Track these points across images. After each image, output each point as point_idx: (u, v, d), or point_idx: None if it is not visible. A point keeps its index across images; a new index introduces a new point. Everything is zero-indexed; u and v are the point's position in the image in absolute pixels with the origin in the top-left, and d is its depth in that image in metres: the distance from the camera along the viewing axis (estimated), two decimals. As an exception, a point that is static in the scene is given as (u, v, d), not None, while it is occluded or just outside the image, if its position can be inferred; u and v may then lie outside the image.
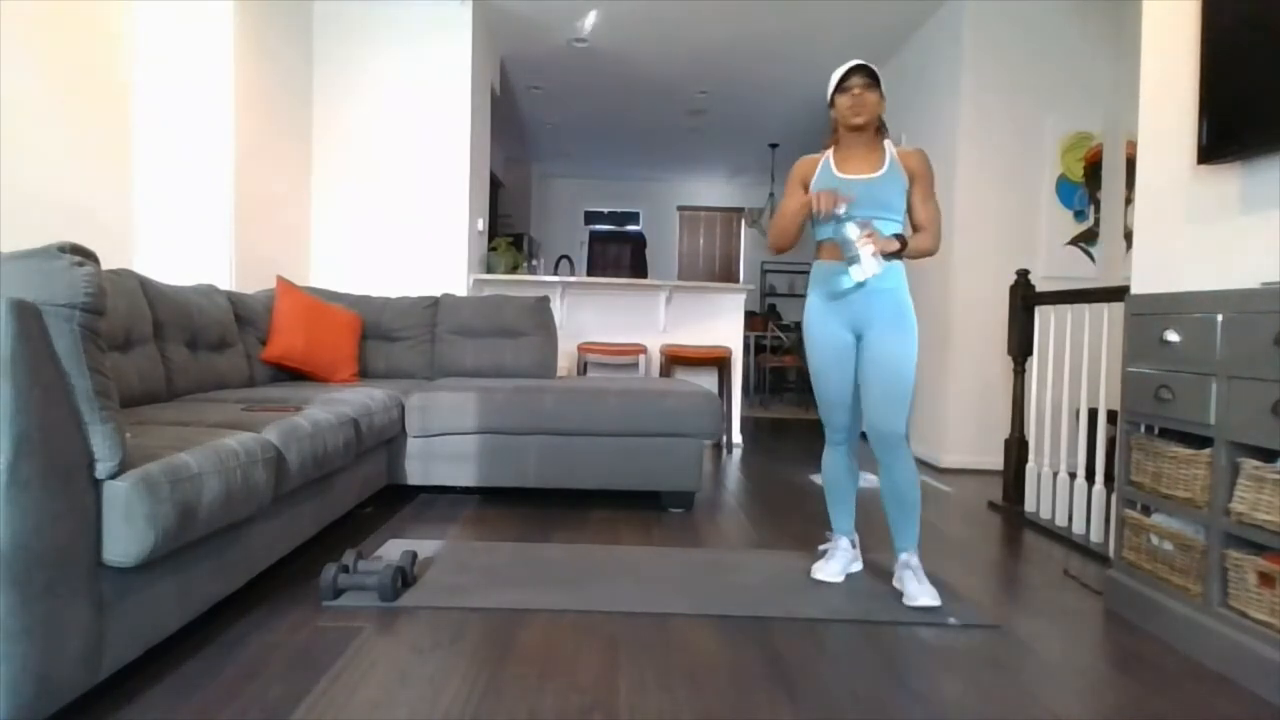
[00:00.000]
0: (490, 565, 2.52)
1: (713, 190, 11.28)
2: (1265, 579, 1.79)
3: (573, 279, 5.31)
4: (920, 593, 2.24)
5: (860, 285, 2.24)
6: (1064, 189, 4.68)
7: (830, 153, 2.40)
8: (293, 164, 4.56)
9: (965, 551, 2.94)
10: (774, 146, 8.67)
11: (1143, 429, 2.28)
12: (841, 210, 2.19)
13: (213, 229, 3.74)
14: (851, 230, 2.17)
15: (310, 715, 1.54)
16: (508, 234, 8.00)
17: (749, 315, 7.36)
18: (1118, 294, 2.64)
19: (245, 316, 3.46)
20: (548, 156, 9.95)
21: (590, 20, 5.43)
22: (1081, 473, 3.16)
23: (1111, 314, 2.93)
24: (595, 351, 5.15)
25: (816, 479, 4.16)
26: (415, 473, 3.32)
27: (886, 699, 1.70)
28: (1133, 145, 2.77)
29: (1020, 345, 3.62)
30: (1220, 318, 1.94)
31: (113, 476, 1.46)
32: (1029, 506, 3.48)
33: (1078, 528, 3.11)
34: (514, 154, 9.57)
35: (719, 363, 5.27)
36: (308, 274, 4.76)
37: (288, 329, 3.55)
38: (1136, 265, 2.42)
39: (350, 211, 4.87)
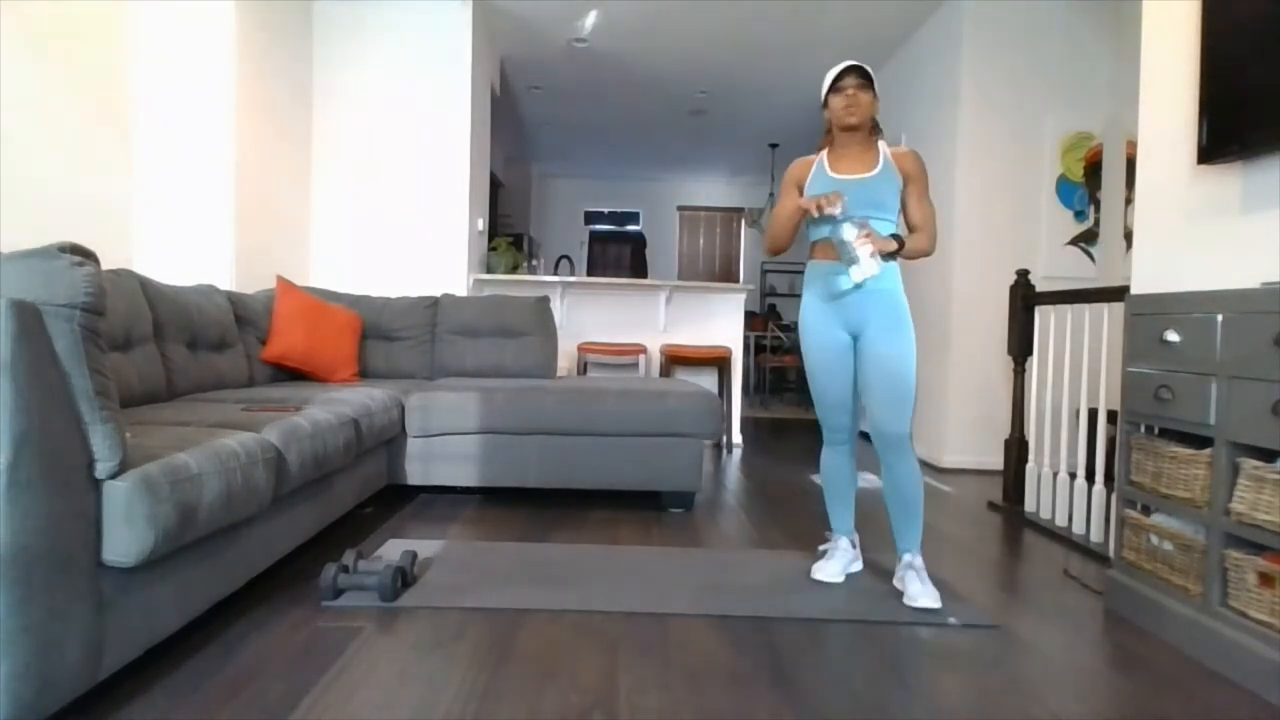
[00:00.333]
0: (490, 565, 2.52)
1: (713, 190, 11.28)
2: (1265, 579, 1.79)
3: (573, 279, 5.31)
4: (922, 594, 2.24)
5: (859, 287, 2.23)
6: (1064, 189, 4.69)
7: (824, 154, 2.40)
8: (293, 164, 4.56)
9: (965, 551, 2.94)
10: (774, 146, 8.67)
11: (1143, 429, 2.28)
12: (839, 210, 2.18)
13: (213, 229, 3.74)
14: (849, 231, 2.16)
15: (310, 715, 1.54)
16: (508, 234, 8.00)
17: (749, 315, 7.37)
18: (1118, 294, 2.64)
19: (245, 316, 3.46)
20: (548, 156, 9.95)
21: (590, 20, 5.43)
22: (1081, 473, 3.16)
23: (1111, 314, 2.93)
24: (595, 351, 5.15)
25: (816, 479, 4.16)
26: (415, 473, 3.32)
27: (886, 699, 1.70)
28: (1133, 145, 2.77)
29: (1020, 345, 3.62)
30: (1220, 318, 1.94)
31: (113, 477, 1.46)
32: (1029, 506, 3.48)
33: (1078, 528, 3.11)
34: (514, 154, 9.57)
35: (719, 363, 5.27)
36: (308, 274, 4.76)
37: (288, 329, 3.55)
38: (1136, 265, 2.42)
39: (350, 211, 4.87)
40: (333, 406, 2.64)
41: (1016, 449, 3.67)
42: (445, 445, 3.30)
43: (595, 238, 11.14)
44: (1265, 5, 1.93)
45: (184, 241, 3.68)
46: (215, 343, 3.16)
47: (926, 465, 4.75)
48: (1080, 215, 4.69)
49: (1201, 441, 2.02)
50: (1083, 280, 4.26)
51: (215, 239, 3.75)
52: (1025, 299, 3.59)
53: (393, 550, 2.60)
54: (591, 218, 11.27)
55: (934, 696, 1.72)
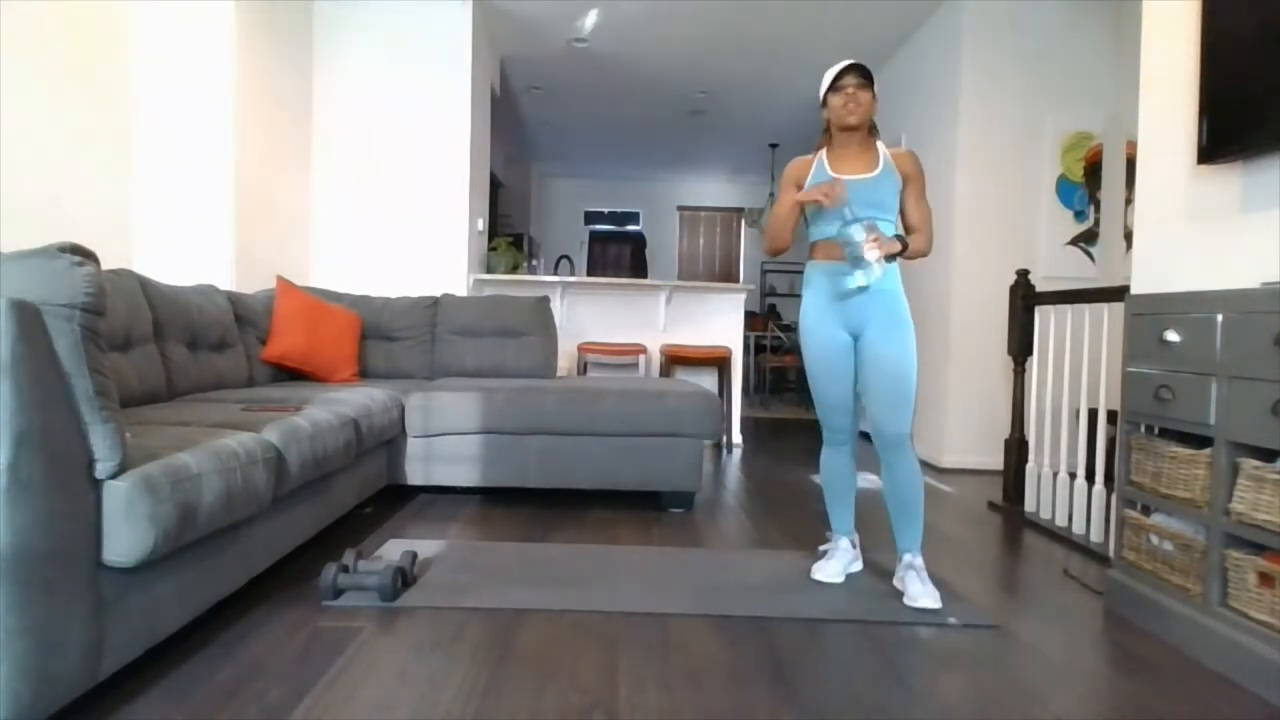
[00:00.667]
0: (490, 565, 2.52)
1: (713, 190, 11.28)
2: (1265, 579, 1.79)
3: (573, 279, 5.31)
4: (922, 594, 2.24)
5: (864, 289, 2.23)
6: (1064, 189, 4.68)
7: (824, 153, 2.40)
8: (293, 164, 4.56)
9: (965, 551, 2.94)
10: (774, 146, 8.67)
11: (1143, 429, 2.28)
12: (844, 200, 2.19)
13: (213, 229, 3.74)
14: (858, 233, 2.17)
15: (310, 715, 1.54)
16: (508, 234, 8.00)
17: (749, 315, 7.36)
18: (1118, 294, 2.64)
19: (245, 316, 3.46)
20: (548, 156, 9.95)
21: (590, 20, 5.43)
22: (1081, 473, 3.15)
23: (1111, 314, 2.93)
24: (595, 351, 5.15)
25: (816, 479, 4.16)
26: (415, 473, 3.32)
27: (886, 699, 1.70)
28: (1133, 145, 2.77)
29: (1020, 345, 3.62)
30: (1220, 318, 1.94)
31: (113, 477, 1.46)
32: (1029, 506, 3.48)
33: (1078, 528, 3.11)
34: (514, 154, 9.57)
35: (719, 363, 5.27)
36: (308, 274, 4.76)
37: (288, 329, 3.55)
38: (1136, 265, 2.42)
39: (350, 211, 4.87)
40: (333, 406, 2.64)
41: (1016, 449, 3.67)
42: (445, 445, 3.30)
43: (595, 238, 11.14)
44: (1265, 5, 1.93)
45: (184, 241, 3.68)
46: (215, 343, 3.16)
47: (926, 465, 4.74)
48: (1080, 215, 4.69)
49: (1201, 441, 2.02)
50: (1083, 280, 4.26)
51: (215, 239, 3.75)
52: (1025, 299, 3.59)
53: (393, 550, 2.60)
54: (591, 218, 11.27)
55: (934, 696, 1.72)
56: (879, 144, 2.38)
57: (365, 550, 2.60)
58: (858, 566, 2.56)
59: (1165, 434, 2.19)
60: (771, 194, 9.35)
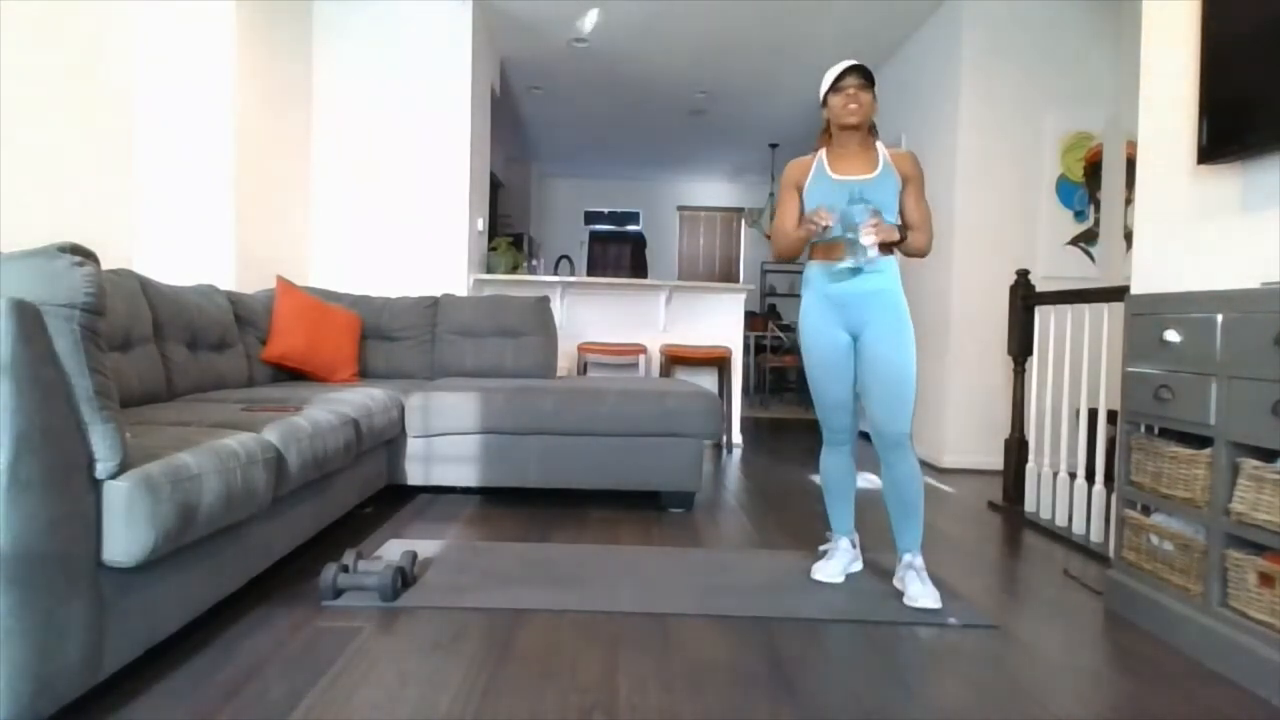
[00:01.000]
0: (490, 565, 2.52)
1: (713, 190, 11.28)
2: (1265, 579, 1.79)
3: (573, 279, 5.31)
4: (922, 594, 2.24)
5: (855, 272, 2.24)
6: (1064, 189, 4.68)
7: (823, 154, 2.40)
8: (293, 164, 4.56)
9: (965, 551, 2.94)
10: (774, 146, 8.67)
11: (1143, 429, 2.28)
12: (834, 221, 2.21)
13: (213, 229, 3.74)
14: (860, 214, 2.19)
15: (310, 715, 1.54)
16: (508, 234, 8.00)
17: (749, 315, 7.36)
18: (1118, 294, 2.64)
19: (245, 316, 3.46)
20: (548, 156, 9.95)
21: (590, 20, 5.43)
22: (1081, 473, 3.15)
23: (1111, 314, 2.93)
24: (595, 351, 5.15)
25: (816, 479, 4.16)
26: (415, 473, 3.32)
27: (886, 699, 1.70)
28: (1133, 145, 2.77)
29: (1020, 345, 3.62)
30: (1220, 318, 1.94)
31: (113, 477, 1.46)
32: (1029, 506, 3.48)
33: (1078, 528, 3.11)
34: (514, 154, 9.57)
35: (719, 363, 5.27)
36: (308, 274, 4.76)
37: (288, 329, 3.55)
38: (1136, 265, 2.42)
39: (350, 211, 4.87)
40: (333, 406, 2.64)
41: (1016, 449, 3.67)
42: (445, 445, 3.30)
43: (595, 238, 11.13)
44: (1265, 5, 1.93)
45: (184, 241, 3.68)
46: (215, 343, 3.16)
47: (926, 465, 4.74)
48: (1080, 215, 4.69)
49: (1201, 441, 2.02)
50: (1083, 280, 4.26)
51: (215, 239, 3.75)
52: (1025, 299, 3.59)
53: (393, 550, 2.60)
54: (591, 218, 11.27)
55: (934, 696, 1.72)
56: (878, 144, 2.38)
57: (365, 550, 2.60)
58: (858, 566, 2.56)
59: (1165, 434, 2.19)
60: (771, 194, 9.35)
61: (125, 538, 1.46)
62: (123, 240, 3.52)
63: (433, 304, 4.13)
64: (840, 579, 2.46)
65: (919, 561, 2.33)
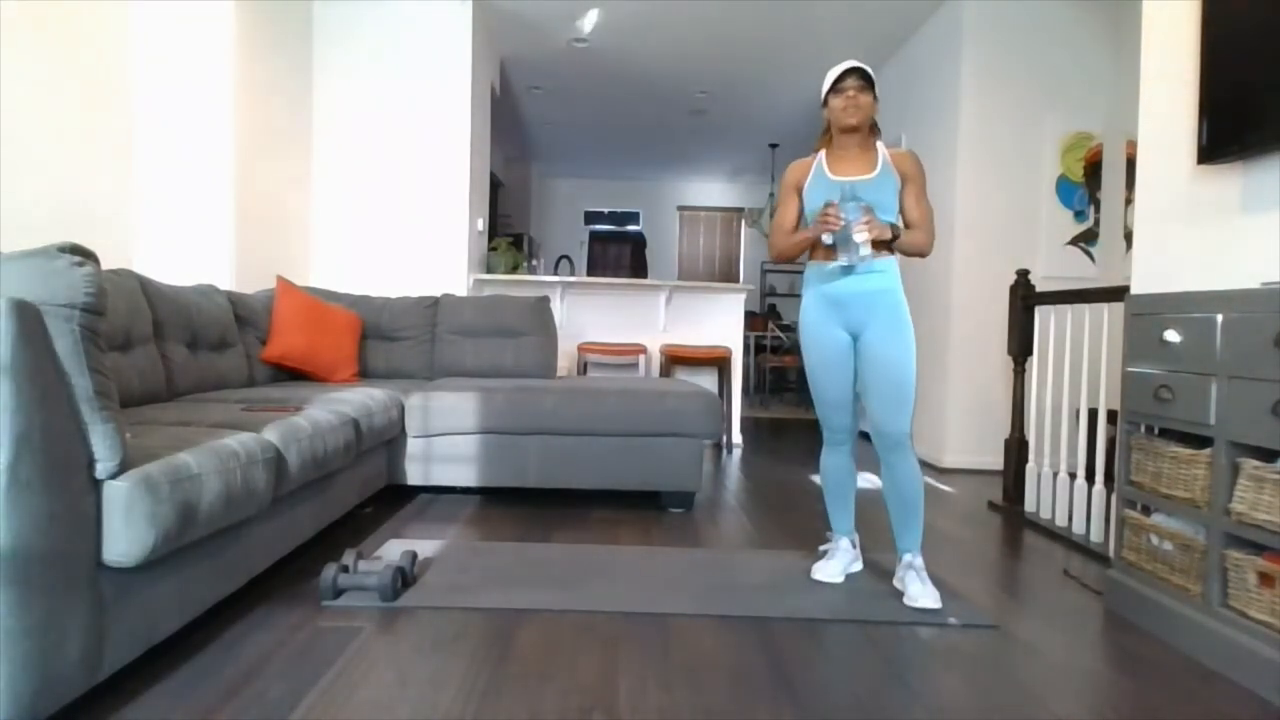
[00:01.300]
0: (490, 565, 2.52)
1: (713, 190, 11.28)
2: (1265, 579, 1.79)
3: (573, 279, 5.31)
4: (922, 594, 2.24)
5: (849, 270, 2.25)
6: (1064, 189, 4.69)
7: (823, 155, 2.40)
8: (293, 164, 4.56)
9: (965, 551, 2.94)
10: (774, 146, 8.67)
11: (1143, 429, 2.28)
12: (840, 226, 2.21)
13: (213, 229, 3.74)
14: (853, 211, 2.19)
15: (310, 715, 1.54)
16: (508, 234, 8.00)
17: (749, 315, 7.36)
18: (1118, 294, 2.64)
19: (245, 316, 3.46)
20: (548, 156, 9.95)
21: (590, 20, 5.43)
22: (1081, 473, 3.15)
23: (1111, 314, 2.93)
24: (595, 351, 5.15)
25: (816, 479, 4.16)
26: (415, 473, 3.32)
27: (886, 699, 1.70)
28: (1133, 145, 2.77)
29: (1020, 345, 3.62)
30: (1220, 318, 1.94)
31: (113, 477, 1.46)
32: (1029, 506, 3.48)
33: (1078, 528, 3.11)
34: (514, 154, 9.57)
35: (719, 363, 5.27)
36: (308, 274, 4.76)
37: (288, 329, 3.55)
38: (1136, 265, 2.42)
39: (350, 211, 4.87)
40: (333, 406, 2.64)
41: (1016, 449, 3.67)
42: (445, 445, 3.30)
43: (595, 238, 11.13)
44: (1265, 5, 1.93)
45: (184, 241, 3.68)
46: (215, 343, 3.16)
47: (926, 465, 4.74)
48: (1080, 215, 4.69)
49: (1201, 441, 2.02)
50: (1083, 280, 4.26)
51: (215, 239, 3.75)
52: (1025, 299, 3.59)
53: (393, 550, 2.60)
54: (591, 218, 11.27)
55: (934, 696, 1.72)
56: (879, 144, 2.38)
57: (365, 550, 2.60)
58: (858, 566, 2.56)
59: (1165, 434, 2.19)
60: (771, 194, 9.35)
61: (125, 538, 1.46)
62: (123, 240, 3.52)
63: (433, 304, 4.13)
64: (840, 579, 2.46)
65: (919, 561, 2.33)
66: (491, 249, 5.53)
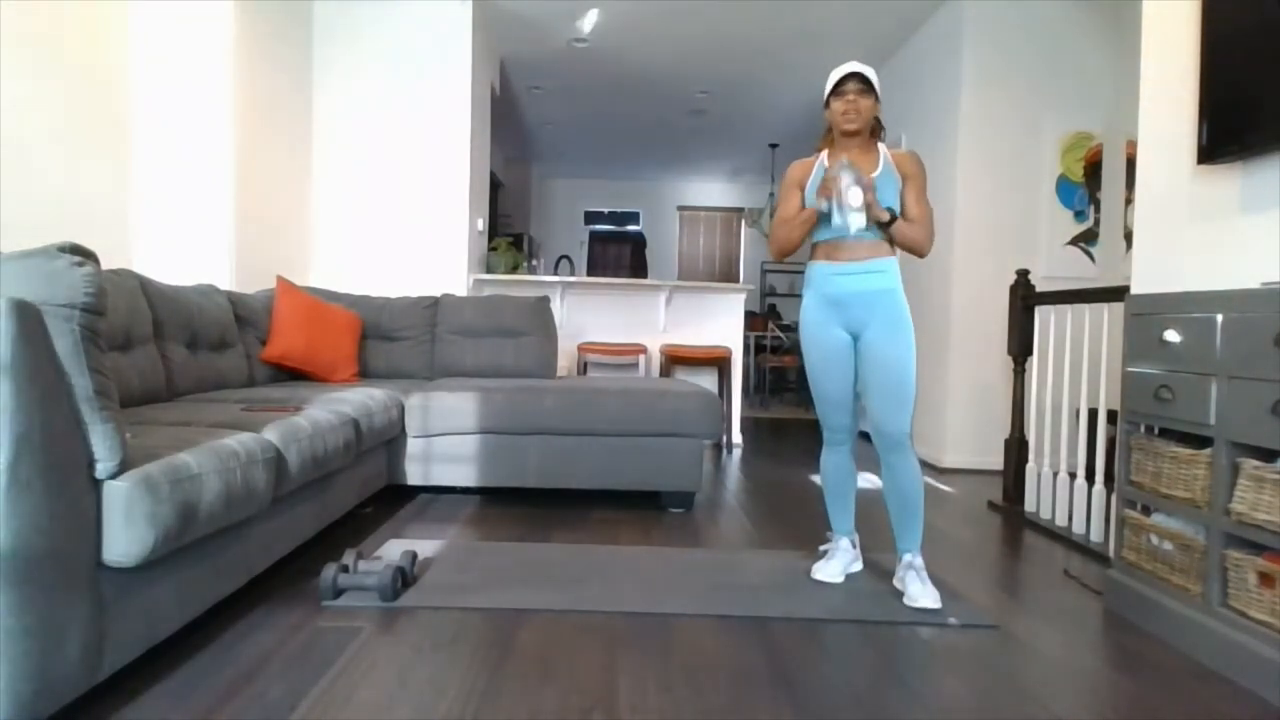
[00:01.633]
0: (490, 565, 2.52)
1: (713, 190, 11.28)
2: (1265, 579, 1.79)
3: (573, 279, 5.31)
4: (922, 594, 2.24)
5: (843, 231, 2.24)
6: (1064, 189, 4.69)
7: (825, 155, 2.41)
8: (293, 164, 4.56)
9: (965, 551, 2.94)
10: (774, 146, 8.67)
11: (1143, 429, 2.28)
12: (847, 184, 2.20)
13: (213, 229, 3.74)
14: (849, 174, 2.19)
15: (310, 715, 1.54)
16: (508, 234, 8.00)
17: (749, 315, 7.36)
18: (1118, 294, 2.64)
19: (245, 316, 3.46)
20: (548, 156, 9.95)
21: (590, 20, 5.43)
22: (1081, 473, 3.16)
23: (1111, 314, 2.93)
24: (595, 351, 5.15)
25: (816, 479, 4.16)
26: (415, 473, 3.32)
27: (886, 699, 1.70)
28: (1133, 145, 2.77)
29: (1020, 345, 3.62)
30: (1220, 318, 1.94)
31: (113, 477, 1.46)
32: (1029, 506, 3.48)
33: (1078, 528, 3.11)
34: (514, 154, 9.57)
35: (719, 363, 5.27)
36: (308, 274, 4.75)
37: (288, 329, 3.55)
38: (1136, 265, 2.42)
39: (350, 211, 4.87)
40: (333, 406, 2.64)
41: (1016, 449, 3.67)
42: (445, 445, 3.30)
43: (595, 238, 11.13)
44: (1265, 6, 1.93)
45: (184, 241, 3.68)
46: (215, 343, 3.16)
47: (926, 465, 4.74)
48: (1080, 215, 4.69)
49: (1201, 441, 2.02)
50: (1083, 280, 4.26)
51: (215, 239, 3.74)
52: (1025, 299, 3.59)
53: (393, 550, 2.60)
54: (591, 218, 11.27)
55: (934, 696, 1.72)
56: (880, 145, 2.39)
57: (365, 550, 2.60)
58: (858, 567, 2.56)
59: (1165, 434, 2.19)
60: (771, 194, 9.35)
61: (125, 538, 1.46)
62: (123, 240, 3.52)
63: (433, 304, 4.13)
64: (840, 579, 2.46)
65: (919, 561, 2.33)
66: (491, 249, 5.53)
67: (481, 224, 5.42)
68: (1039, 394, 3.55)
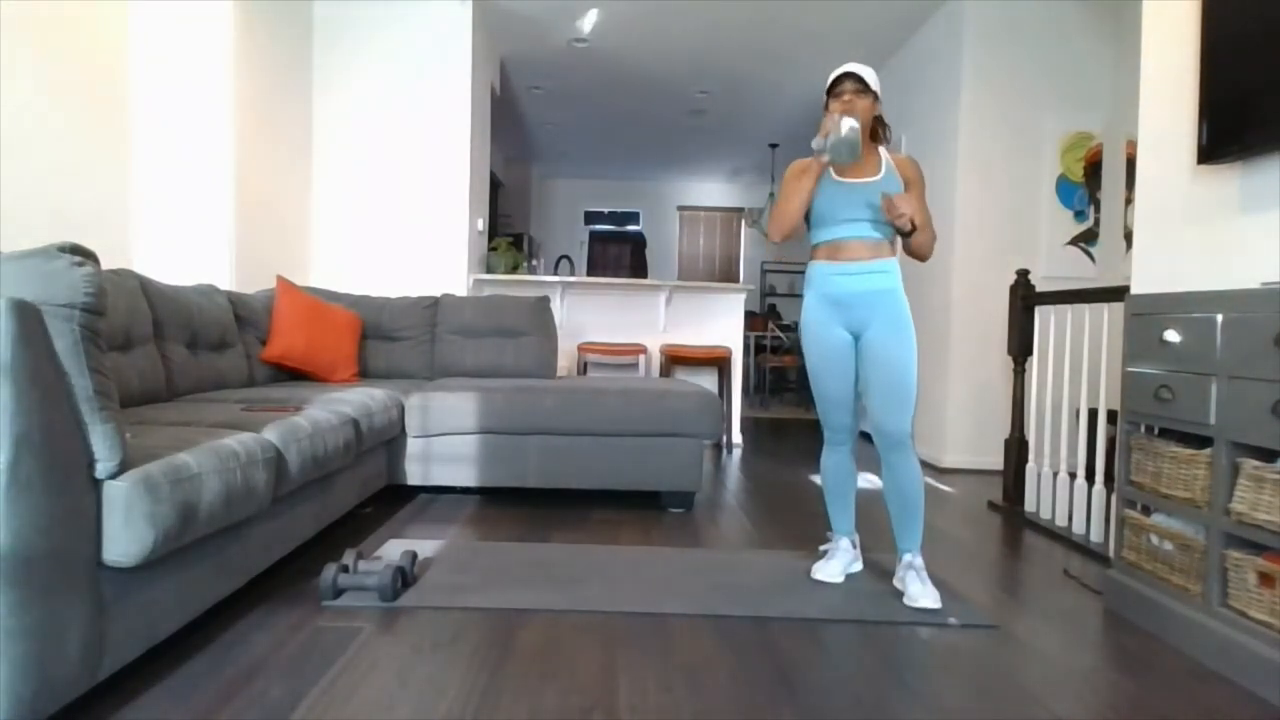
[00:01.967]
0: (490, 565, 2.52)
1: (713, 190, 11.28)
2: (1265, 579, 1.79)
3: (573, 279, 5.31)
4: (922, 594, 2.24)
5: (819, 153, 2.23)
6: (1064, 189, 4.69)
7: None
8: (293, 164, 4.56)
9: (965, 551, 2.94)
10: (774, 146, 8.67)
11: (1143, 429, 2.27)
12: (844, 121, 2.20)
13: (213, 229, 3.74)
14: (847, 120, 2.19)
15: (310, 715, 1.54)
16: (508, 234, 8.00)
17: (749, 315, 7.36)
18: (1118, 294, 2.64)
19: (245, 316, 3.46)
20: (548, 156, 9.95)
21: (590, 20, 5.43)
22: (1081, 473, 3.16)
23: (1111, 314, 2.93)
24: (595, 351, 5.15)
25: (816, 479, 4.16)
26: (415, 473, 3.32)
27: (886, 699, 1.70)
28: (1133, 145, 2.77)
29: (1020, 345, 3.62)
30: (1220, 318, 1.94)
31: (113, 477, 1.46)
32: (1029, 506, 3.48)
33: (1078, 528, 3.11)
34: (514, 154, 9.57)
35: (719, 363, 5.27)
36: (308, 274, 4.76)
37: (288, 329, 3.55)
38: (1136, 265, 2.42)
39: (350, 211, 4.87)
40: (332, 406, 2.64)
41: (1016, 449, 3.67)
42: (445, 445, 3.30)
43: (595, 238, 11.13)
44: (1265, 5, 1.93)
45: (184, 241, 3.68)
46: (215, 343, 3.16)
47: (926, 465, 4.74)
48: (1080, 215, 4.69)
49: (1201, 441, 2.02)
50: (1083, 280, 4.26)
51: (215, 239, 3.75)
52: (1025, 299, 3.59)
53: (393, 550, 2.60)
54: (591, 218, 11.27)
55: (934, 696, 1.72)
56: (881, 149, 2.39)
57: (365, 550, 2.60)
58: (858, 567, 2.56)
59: (1165, 434, 2.19)
60: (771, 194, 9.35)
61: (125, 538, 1.46)
62: (123, 240, 3.52)
63: (433, 304, 4.13)
64: (840, 579, 2.46)
65: (919, 561, 2.33)
66: (491, 249, 5.53)
67: (481, 224, 5.42)
68: (1039, 394, 3.55)
